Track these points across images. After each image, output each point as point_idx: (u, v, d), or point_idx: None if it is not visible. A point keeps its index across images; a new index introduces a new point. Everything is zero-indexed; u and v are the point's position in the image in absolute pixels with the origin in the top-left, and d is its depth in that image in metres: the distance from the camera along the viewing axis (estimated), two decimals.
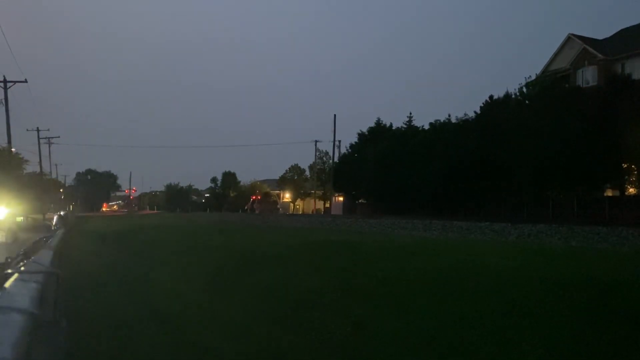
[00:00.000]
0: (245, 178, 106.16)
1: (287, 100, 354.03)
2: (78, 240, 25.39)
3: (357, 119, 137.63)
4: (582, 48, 42.23)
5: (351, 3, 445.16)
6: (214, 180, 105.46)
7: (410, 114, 52.16)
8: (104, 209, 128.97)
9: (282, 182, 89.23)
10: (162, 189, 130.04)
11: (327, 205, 69.13)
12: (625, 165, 30.64)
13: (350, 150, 54.92)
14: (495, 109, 36.50)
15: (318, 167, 73.73)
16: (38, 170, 67.84)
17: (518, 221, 25.92)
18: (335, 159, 60.80)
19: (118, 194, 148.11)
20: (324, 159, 73.85)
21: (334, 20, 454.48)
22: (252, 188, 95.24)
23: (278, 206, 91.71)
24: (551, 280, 11.10)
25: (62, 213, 70.97)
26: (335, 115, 61.18)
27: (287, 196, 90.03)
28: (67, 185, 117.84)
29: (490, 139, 33.52)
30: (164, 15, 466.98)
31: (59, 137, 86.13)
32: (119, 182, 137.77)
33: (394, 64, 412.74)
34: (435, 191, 37.13)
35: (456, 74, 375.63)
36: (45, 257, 3.84)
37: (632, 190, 31.42)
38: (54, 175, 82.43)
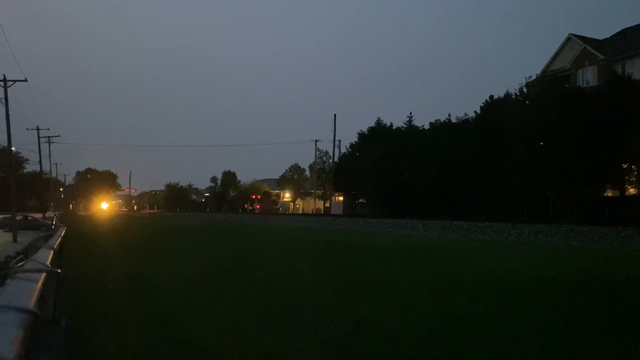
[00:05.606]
0: (245, 177, 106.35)
1: (287, 99, 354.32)
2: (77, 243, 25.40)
3: (357, 118, 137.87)
4: (583, 48, 42.21)
5: (352, 3, 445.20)
6: (214, 179, 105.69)
7: (411, 113, 52.05)
8: (104, 208, 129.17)
9: (282, 182, 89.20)
10: (162, 188, 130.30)
11: (327, 204, 69.10)
12: (626, 166, 30.62)
13: (350, 150, 54.87)
14: (496, 109, 36.43)
15: (318, 166, 73.64)
16: (38, 169, 67.85)
17: (518, 221, 25.95)
18: (336, 159, 60.73)
19: (118, 193, 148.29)
20: (324, 158, 73.80)
21: (334, 20, 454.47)
22: (252, 187, 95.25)
23: (277, 206, 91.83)
24: (550, 280, 11.11)
25: (61, 212, 71.09)
26: (335, 114, 61.29)
27: (287, 196, 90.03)
28: (67, 184, 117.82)
29: (490, 139, 33.49)
30: (165, 15, 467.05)
31: (58, 136, 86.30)
32: (119, 181, 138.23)
33: (394, 64, 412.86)
34: (435, 191, 37.12)
35: (456, 74, 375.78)
36: (44, 256, 3.85)
37: (632, 191, 31.40)
38: (54, 174, 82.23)
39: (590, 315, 8.39)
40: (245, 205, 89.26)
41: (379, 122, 53.16)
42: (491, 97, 39.40)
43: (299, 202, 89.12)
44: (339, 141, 61.40)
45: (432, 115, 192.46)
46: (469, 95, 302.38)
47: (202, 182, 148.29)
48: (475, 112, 40.23)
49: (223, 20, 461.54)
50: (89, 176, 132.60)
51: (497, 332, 7.75)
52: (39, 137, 57.54)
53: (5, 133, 33.47)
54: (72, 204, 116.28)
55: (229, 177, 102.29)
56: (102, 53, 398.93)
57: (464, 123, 40.60)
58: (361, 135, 53.55)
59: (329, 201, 68.28)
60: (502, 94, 38.82)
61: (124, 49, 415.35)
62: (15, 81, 34.04)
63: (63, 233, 12.90)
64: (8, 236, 30.69)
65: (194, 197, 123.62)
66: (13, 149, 39.77)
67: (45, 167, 70.83)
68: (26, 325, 1.32)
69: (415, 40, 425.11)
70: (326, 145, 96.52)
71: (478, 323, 8.24)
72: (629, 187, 31.71)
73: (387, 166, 41.92)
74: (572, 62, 43.04)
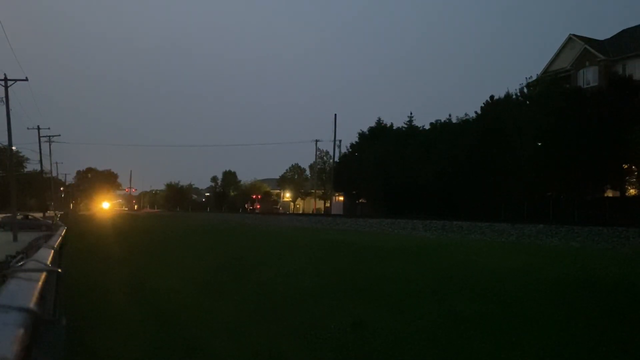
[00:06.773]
0: (245, 177, 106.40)
1: (287, 99, 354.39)
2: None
3: (357, 118, 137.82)
4: (583, 48, 42.20)
5: (352, 3, 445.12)
6: (214, 179, 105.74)
7: (411, 113, 52.09)
8: (105, 208, 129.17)
9: (283, 182, 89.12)
10: (163, 187, 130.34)
11: (328, 204, 69.02)
12: (626, 166, 30.59)
13: (350, 150, 54.85)
14: (496, 109, 36.44)
15: (318, 166, 73.54)
16: (38, 168, 67.84)
17: (518, 221, 25.92)
18: (336, 159, 60.67)
19: (119, 192, 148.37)
20: (325, 158, 73.67)
21: (334, 20, 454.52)
22: (253, 187, 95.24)
23: (278, 205, 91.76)
24: (550, 281, 11.11)
25: (62, 212, 71.12)
26: (335, 114, 61.21)
27: (287, 195, 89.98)
28: (67, 183, 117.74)
29: (490, 139, 33.50)
30: (165, 15, 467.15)
31: (59, 135, 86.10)
32: (119, 180, 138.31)
33: (395, 64, 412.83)
34: (436, 191, 37.14)
35: (456, 74, 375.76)
36: (45, 255, 3.85)
37: (632, 191, 31.38)
38: (54, 174, 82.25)
39: (590, 316, 8.39)
40: (246, 205, 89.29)
41: (379, 122, 53.16)
42: (491, 97, 39.43)
43: (299, 202, 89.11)
44: (339, 141, 61.49)
45: (432, 115, 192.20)
46: (469, 95, 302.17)
47: (202, 182, 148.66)
48: (475, 112, 40.26)
49: (223, 20, 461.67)
50: (89, 175, 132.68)
51: (497, 333, 7.75)
52: (39, 137, 57.53)
53: (6, 132, 33.44)
54: (73, 203, 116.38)
55: (230, 177, 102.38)
56: (102, 53, 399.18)
57: (464, 123, 40.59)
58: (361, 135, 53.54)
59: (329, 201, 68.21)
60: (502, 94, 38.88)
61: (125, 48, 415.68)
62: (16, 80, 34.01)
63: (63, 232, 12.88)
64: (8, 235, 30.66)
65: (195, 196, 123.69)
66: (14, 148, 39.80)
67: (46, 167, 70.85)
68: (26, 325, 1.33)
69: (415, 40, 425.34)
70: (326, 145, 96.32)
71: (478, 323, 8.23)
72: (629, 188, 31.69)
73: (388, 166, 41.92)
74: (572, 63, 43.02)
